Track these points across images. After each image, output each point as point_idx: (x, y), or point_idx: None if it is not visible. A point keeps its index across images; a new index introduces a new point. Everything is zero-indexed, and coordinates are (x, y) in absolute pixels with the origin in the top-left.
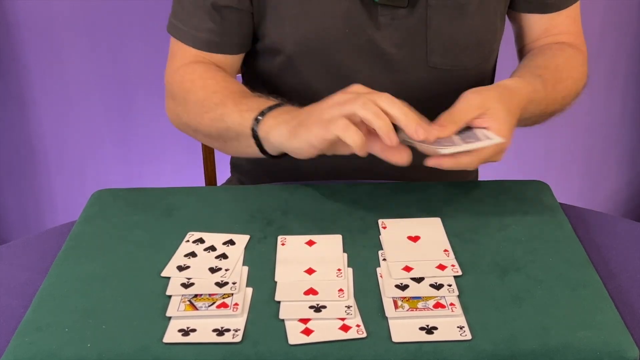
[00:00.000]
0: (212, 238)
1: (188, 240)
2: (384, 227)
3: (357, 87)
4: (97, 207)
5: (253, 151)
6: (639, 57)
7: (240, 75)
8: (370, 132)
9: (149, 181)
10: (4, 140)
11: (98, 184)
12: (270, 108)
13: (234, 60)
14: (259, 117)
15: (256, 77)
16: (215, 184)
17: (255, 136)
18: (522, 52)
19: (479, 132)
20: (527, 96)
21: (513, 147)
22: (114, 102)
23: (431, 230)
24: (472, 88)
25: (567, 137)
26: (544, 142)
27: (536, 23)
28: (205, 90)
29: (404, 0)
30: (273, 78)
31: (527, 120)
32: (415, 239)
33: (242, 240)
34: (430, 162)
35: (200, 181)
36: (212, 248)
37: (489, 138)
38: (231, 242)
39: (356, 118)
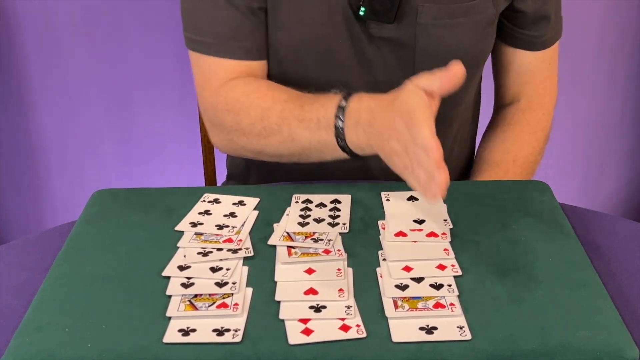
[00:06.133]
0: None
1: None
2: (383, 228)
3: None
4: (97, 207)
5: (340, 156)
6: (639, 57)
7: None
8: None
9: (149, 181)
10: (4, 140)
11: (98, 184)
12: (337, 116)
13: (264, 66)
14: (339, 134)
15: None
16: (215, 184)
17: (346, 150)
18: (497, 92)
19: None
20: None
21: None
22: (114, 101)
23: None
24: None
25: (567, 137)
26: None
27: (514, 59)
28: (256, 109)
29: (390, 16)
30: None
31: None
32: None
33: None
34: None
35: (200, 181)
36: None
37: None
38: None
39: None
